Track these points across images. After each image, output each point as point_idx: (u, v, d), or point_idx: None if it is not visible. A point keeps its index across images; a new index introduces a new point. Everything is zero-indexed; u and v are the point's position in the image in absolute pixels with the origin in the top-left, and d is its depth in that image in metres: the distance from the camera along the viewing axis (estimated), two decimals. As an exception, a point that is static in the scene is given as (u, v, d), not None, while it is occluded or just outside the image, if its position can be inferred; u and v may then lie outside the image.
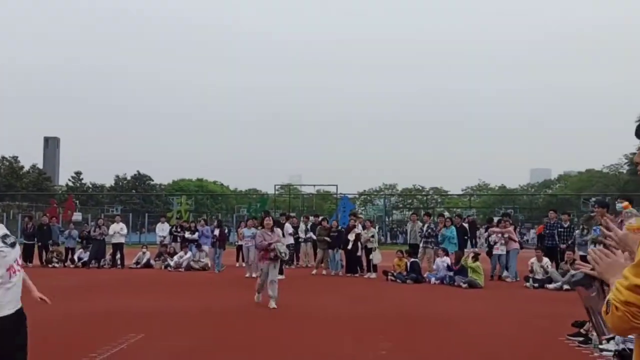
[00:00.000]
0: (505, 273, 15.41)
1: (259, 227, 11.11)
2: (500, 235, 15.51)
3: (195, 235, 19.10)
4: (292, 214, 26.41)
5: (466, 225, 18.60)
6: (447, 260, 14.64)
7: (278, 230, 11.00)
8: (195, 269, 17.57)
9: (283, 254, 10.31)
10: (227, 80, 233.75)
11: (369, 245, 16.42)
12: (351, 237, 16.60)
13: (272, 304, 9.92)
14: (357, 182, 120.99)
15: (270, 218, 11.04)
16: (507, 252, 15.39)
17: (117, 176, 66.31)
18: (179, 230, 20.37)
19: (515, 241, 15.70)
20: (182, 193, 50.47)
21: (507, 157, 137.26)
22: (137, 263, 19.07)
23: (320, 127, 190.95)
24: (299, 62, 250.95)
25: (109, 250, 19.44)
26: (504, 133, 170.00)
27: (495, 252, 15.54)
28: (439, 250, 15.27)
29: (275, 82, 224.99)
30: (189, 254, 18.24)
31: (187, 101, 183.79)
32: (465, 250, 16.16)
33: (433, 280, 14.52)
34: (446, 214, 26.83)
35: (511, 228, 15.97)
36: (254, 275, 16.11)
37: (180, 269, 17.61)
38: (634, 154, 2.05)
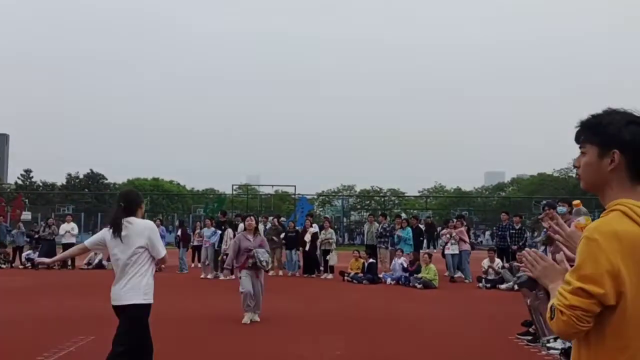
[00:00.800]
0: (458, 274, 15.69)
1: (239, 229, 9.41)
2: (449, 235, 15.79)
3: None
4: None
5: (422, 226, 18.92)
6: (404, 260, 14.82)
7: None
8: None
9: (264, 263, 8.76)
10: (182, 73, 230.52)
11: (327, 247, 16.45)
12: (307, 238, 16.61)
13: (255, 317, 8.86)
14: (316, 183, 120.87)
15: (252, 218, 9.43)
16: (460, 252, 15.68)
17: (70, 174, 64.28)
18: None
19: (465, 242, 15.98)
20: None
21: (462, 160, 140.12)
22: (88, 264, 18.59)
23: (279, 127, 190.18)
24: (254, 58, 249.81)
25: (59, 251, 18.83)
26: (460, 136, 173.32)
27: (447, 251, 15.83)
28: (398, 251, 15.43)
29: (233, 79, 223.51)
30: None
31: (143, 98, 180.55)
32: (421, 251, 16.39)
33: (389, 280, 14.67)
34: (403, 215, 27.13)
35: (463, 229, 16.27)
36: (209, 276, 15.94)
37: (133, 270, 17.24)
38: None
